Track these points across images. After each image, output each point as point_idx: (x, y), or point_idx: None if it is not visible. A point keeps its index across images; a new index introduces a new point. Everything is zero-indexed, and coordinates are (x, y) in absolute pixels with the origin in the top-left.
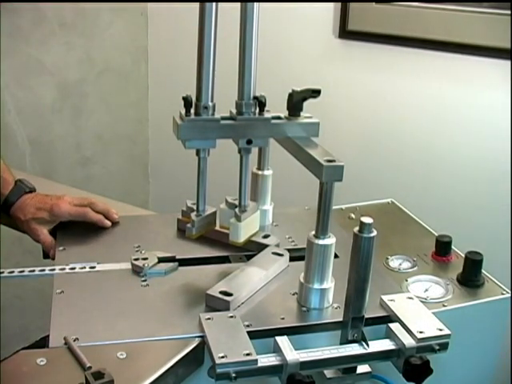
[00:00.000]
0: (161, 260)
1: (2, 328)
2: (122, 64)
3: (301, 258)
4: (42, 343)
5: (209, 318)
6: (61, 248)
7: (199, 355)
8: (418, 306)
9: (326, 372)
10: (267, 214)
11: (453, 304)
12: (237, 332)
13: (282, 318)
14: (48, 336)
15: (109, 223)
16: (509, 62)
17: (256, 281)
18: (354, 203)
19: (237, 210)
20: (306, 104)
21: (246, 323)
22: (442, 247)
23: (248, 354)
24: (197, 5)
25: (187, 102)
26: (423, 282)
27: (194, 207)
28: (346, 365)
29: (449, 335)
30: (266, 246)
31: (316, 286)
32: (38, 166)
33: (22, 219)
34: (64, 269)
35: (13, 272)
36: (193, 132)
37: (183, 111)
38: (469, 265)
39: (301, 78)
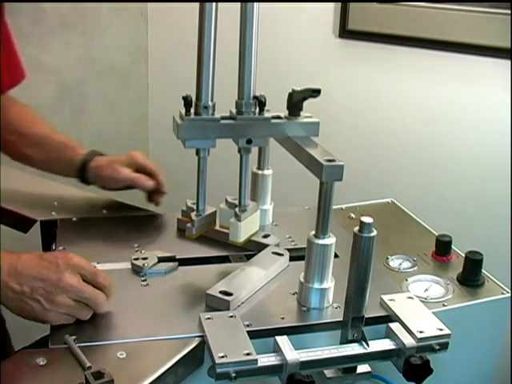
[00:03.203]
0: (161, 260)
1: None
2: (122, 64)
3: (301, 258)
4: (42, 343)
5: (209, 318)
6: (61, 248)
7: (199, 355)
8: (418, 305)
9: (326, 372)
10: (267, 213)
11: (453, 304)
12: (237, 332)
13: (282, 318)
14: (48, 336)
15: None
16: (509, 62)
17: (256, 280)
18: (354, 203)
19: (237, 209)
20: (305, 104)
21: (246, 323)
22: (442, 247)
23: (248, 354)
24: (197, 5)
25: (187, 101)
26: (423, 281)
27: (194, 207)
28: (346, 364)
29: (449, 335)
30: (266, 245)
31: (316, 285)
32: None
33: (103, 164)
34: None
35: None
36: (193, 131)
37: (183, 111)
38: (469, 264)
39: (301, 78)
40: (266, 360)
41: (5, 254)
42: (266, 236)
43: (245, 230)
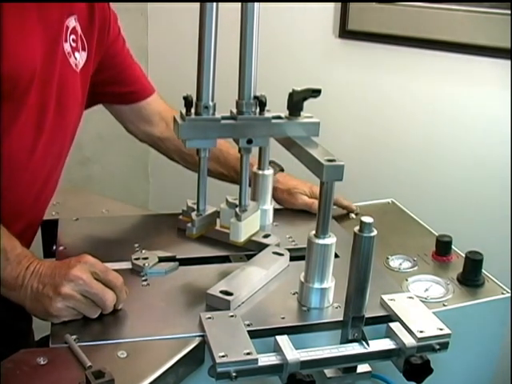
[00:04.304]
0: (161, 260)
1: None
2: None
3: (301, 258)
4: (43, 343)
5: (209, 318)
6: (61, 248)
7: (200, 354)
8: (419, 305)
9: (326, 371)
10: (267, 213)
11: (453, 304)
12: (237, 331)
13: (283, 318)
14: (48, 335)
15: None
16: (509, 62)
17: (256, 280)
18: (354, 203)
19: (237, 209)
20: (306, 104)
21: (247, 322)
22: (442, 247)
23: (248, 354)
24: (197, 5)
25: (188, 101)
26: (423, 281)
27: (195, 207)
28: (347, 364)
29: (449, 335)
30: (267, 245)
31: (316, 285)
32: None
33: (284, 189)
34: None
35: None
36: (193, 131)
37: (184, 111)
38: (469, 264)
39: (301, 78)
40: (267, 359)
41: (31, 257)
42: (266, 236)
43: (245, 229)
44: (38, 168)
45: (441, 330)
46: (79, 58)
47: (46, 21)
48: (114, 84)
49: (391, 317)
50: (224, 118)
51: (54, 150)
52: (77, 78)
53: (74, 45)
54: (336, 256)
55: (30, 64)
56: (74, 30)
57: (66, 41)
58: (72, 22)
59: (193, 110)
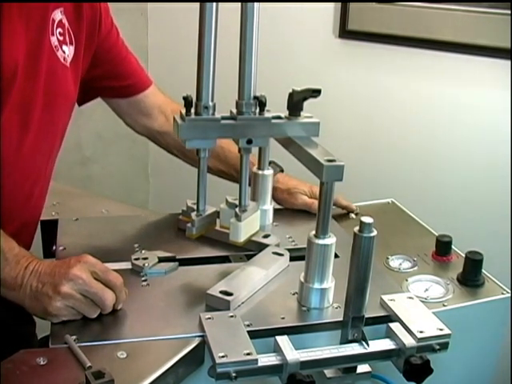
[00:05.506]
0: (161, 260)
1: None
2: None
3: (301, 258)
4: (43, 343)
5: (209, 318)
6: (61, 248)
7: (199, 355)
8: (418, 305)
9: (326, 371)
10: (267, 213)
11: (453, 304)
12: (237, 331)
13: (283, 318)
14: (48, 336)
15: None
16: (509, 62)
17: (256, 280)
18: (354, 203)
19: (237, 209)
20: (306, 104)
21: (247, 323)
22: (442, 247)
23: (248, 354)
24: (197, 5)
25: (188, 101)
26: (423, 281)
27: (195, 207)
28: (346, 364)
29: (449, 335)
30: (267, 245)
31: (316, 285)
32: None
33: (284, 189)
34: None
35: None
36: (193, 132)
37: (184, 111)
38: (469, 264)
39: (301, 78)
40: (267, 360)
41: (30, 257)
42: (266, 236)
43: (245, 230)
44: (27, 165)
45: (441, 330)
46: (68, 52)
47: (28, 14)
48: (110, 78)
49: (391, 317)
50: (224, 118)
51: (43, 146)
52: (67, 72)
53: (61, 38)
54: (336, 256)
55: (10, 59)
56: (60, 23)
57: (52, 34)
58: (58, 15)
59: (193, 110)
